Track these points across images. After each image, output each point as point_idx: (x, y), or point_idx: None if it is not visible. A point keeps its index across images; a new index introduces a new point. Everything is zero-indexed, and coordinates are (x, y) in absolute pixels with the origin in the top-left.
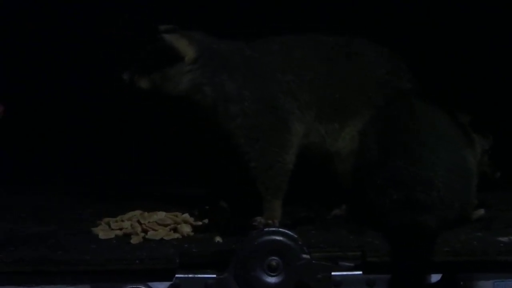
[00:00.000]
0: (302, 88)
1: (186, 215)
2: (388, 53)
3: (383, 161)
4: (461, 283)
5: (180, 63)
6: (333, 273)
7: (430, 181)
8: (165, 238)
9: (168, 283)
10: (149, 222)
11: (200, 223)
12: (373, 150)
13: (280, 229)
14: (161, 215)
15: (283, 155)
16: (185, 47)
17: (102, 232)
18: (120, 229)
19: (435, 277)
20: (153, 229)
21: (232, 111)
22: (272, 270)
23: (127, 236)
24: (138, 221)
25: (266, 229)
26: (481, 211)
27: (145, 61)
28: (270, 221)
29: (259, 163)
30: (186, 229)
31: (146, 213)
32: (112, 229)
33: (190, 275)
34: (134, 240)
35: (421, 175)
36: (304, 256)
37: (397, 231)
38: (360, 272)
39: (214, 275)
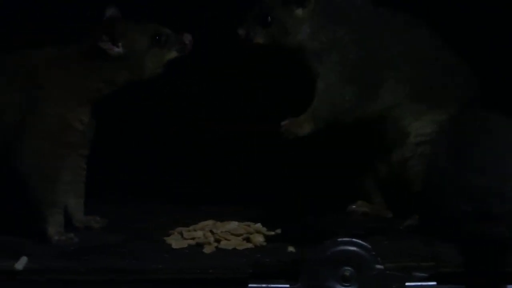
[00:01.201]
0: (402, 58)
1: (259, 225)
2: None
3: (455, 172)
4: None
5: (299, 13)
6: (407, 284)
7: (503, 193)
8: (238, 247)
9: None
10: (221, 231)
11: (273, 233)
12: (445, 160)
13: (354, 239)
14: (233, 224)
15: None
16: None
17: (175, 241)
18: (193, 238)
19: None
20: (226, 239)
21: (338, 60)
22: (345, 281)
23: (200, 245)
24: (211, 231)
25: (339, 239)
26: None
27: (262, 14)
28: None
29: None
30: (259, 239)
31: (218, 223)
32: (185, 239)
33: (263, 285)
34: (207, 249)
35: (494, 187)
36: (378, 266)
37: (470, 242)
38: (434, 283)
39: (287, 285)
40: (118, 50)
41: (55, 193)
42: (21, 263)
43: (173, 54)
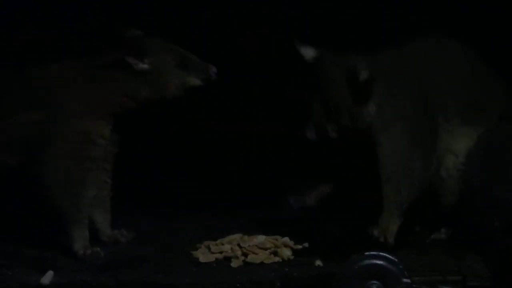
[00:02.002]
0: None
1: (286, 239)
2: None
3: (487, 186)
4: None
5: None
6: None
7: None
8: (265, 261)
9: None
10: (249, 245)
11: (300, 246)
12: (477, 174)
13: (381, 253)
14: (261, 238)
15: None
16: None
17: (202, 255)
18: (220, 252)
19: None
20: (253, 253)
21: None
22: None
23: (227, 259)
24: (238, 245)
25: (367, 253)
26: None
27: (335, 105)
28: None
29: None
30: (287, 253)
31: (246, 237)
32: (212, 253)
33: None
34: (235, 263)
35: None
36: (405, 280)
37: (498, 256)
38: None
39: None
40: (143, 66)
41: (80, 209)
42: (47, 278)
43: (196, 82)
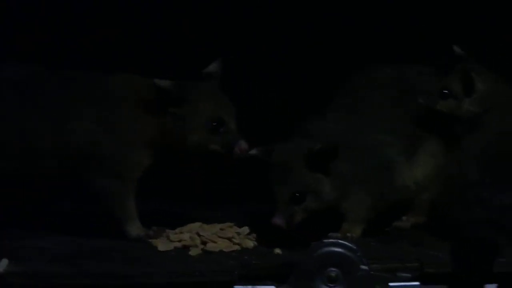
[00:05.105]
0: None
1: (246, 228)
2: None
3: (478, 180)
4: None
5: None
6: (390, 284)
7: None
8: (225, 250)
9: None
10: (208, 234)
11: (259, 235)
12: (468, 169)
13: (340, 241)
14: (220, 227)
15: None
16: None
17: (161, 244)
18: (179, 241)
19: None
20: (213, 241)
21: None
22: (331, 282)
23: (186, 248)
24: (198, 233)
25: (325, 241)
26: None
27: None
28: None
29: None
30: (246, 241)
31: (205, 225)
32: (171, 241)
33: (249, 287)
34: (193, 252)
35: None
36: (363, 267)
37: (469, 246)
38: (418, 283)
39: (273, 287)
40: (173, 109)
41: (128, 209)
42: (1, 266)
43: (216, 149)
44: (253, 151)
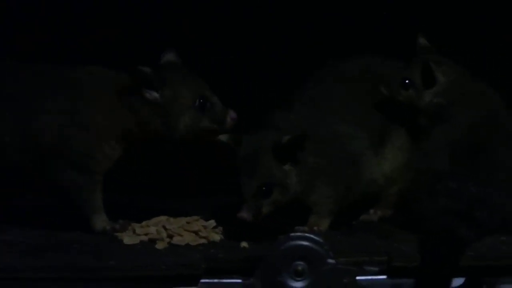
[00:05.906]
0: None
1: (212, 221)
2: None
3: (446, 172)
4: (484, 287)
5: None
6: (358, 278)
7: (491, 203)
8: (191, 243)
9: None
10: (175, 227)
11: (225, 228)
12: (436, 161)
13: (306, 234)
14: (187, 220)
15: None
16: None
17: (127, 237)
18: (146, 234)
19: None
20: (179, 235)
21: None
22: (298, 275)
23: (153, 241)
24: (164, 227)
25: (292, 234)
26: None
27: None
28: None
29: None
30: (213, 235)
31: (172, 219)
32: (138, 235)
33: (215, 280)
34: (159, 245)
35: (483, 193)
36: (330, 261)
37: (437, 238)
38: (385, 277)
39: (240, 280)
40: (155, 96)
41: (95, 202)
42: None
43: (208, 125)
44: (222, 137)
